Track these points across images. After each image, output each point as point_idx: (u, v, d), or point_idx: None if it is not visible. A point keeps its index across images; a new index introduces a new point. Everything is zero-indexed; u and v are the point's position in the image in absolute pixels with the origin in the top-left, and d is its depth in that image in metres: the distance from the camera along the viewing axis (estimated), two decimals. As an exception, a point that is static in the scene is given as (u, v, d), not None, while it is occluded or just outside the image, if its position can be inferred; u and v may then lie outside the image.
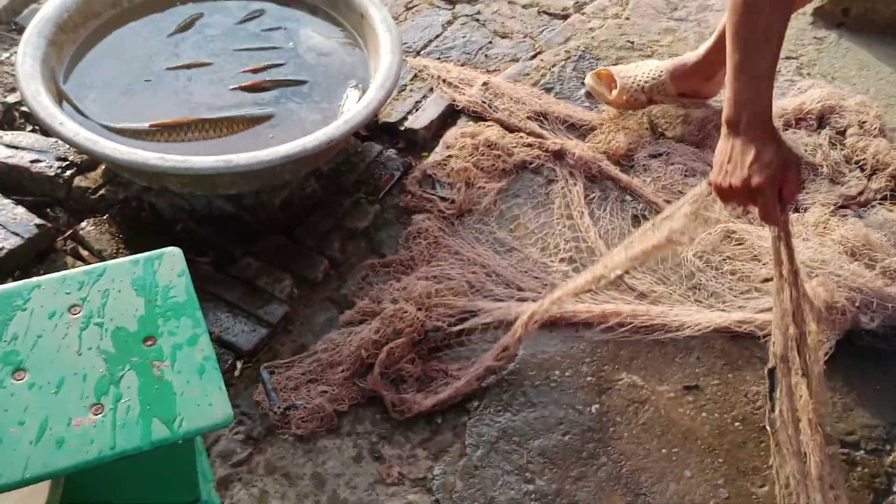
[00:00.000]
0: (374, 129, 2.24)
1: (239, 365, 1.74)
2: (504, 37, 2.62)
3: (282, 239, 1.96)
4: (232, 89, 2.08)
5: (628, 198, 2.11)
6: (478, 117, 2.26)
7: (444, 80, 2.33)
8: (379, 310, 1.80)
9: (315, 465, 1.63)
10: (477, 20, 2.67)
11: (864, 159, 2.16)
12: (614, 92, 2.26)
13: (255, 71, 2.12)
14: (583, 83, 2.39)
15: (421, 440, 1.68)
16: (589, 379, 1.77)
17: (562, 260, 1.96)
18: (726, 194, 1.57)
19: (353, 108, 1.96)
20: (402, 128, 2.23)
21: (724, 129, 1.58)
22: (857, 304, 1.79)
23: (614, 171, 2.12)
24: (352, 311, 1.83)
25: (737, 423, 1.71)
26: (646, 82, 2.24)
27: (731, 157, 1.56)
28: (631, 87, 2.24)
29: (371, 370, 1.71)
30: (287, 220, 1.99)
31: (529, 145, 2.16)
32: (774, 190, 1.51)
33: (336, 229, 1.99)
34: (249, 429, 1.67)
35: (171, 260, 1.36)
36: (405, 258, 1.93)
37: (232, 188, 1.89)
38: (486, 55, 2.54)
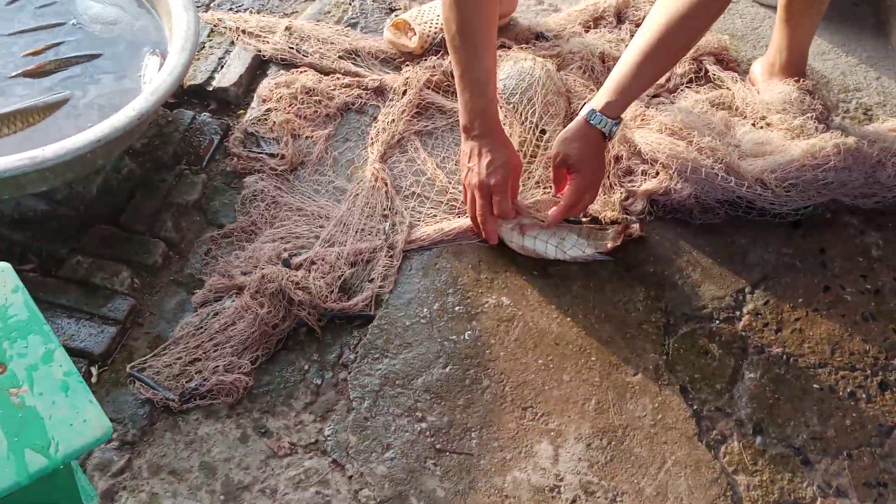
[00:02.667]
0: (181, 94, 2.11)
1: (94, 371, 1.63)
2: (295, -23, 2.51)
3: (108, 229, 1.82)
4: (13, 77, 1.89)
5: (455, 124, 2.10)
6: (288, 65, 2.17)
7: (243, 31, 2.22)
8: (232, 285, 1.73)
9: (201, 455, 1.56)
10: (261, -36, 2.55)
11: (665, 47, 2.25)
12: (414, 39, 2.21)
13: (36, 53, 1.93)
14: (387, 12, 2.34)
15: (304, 405, 1.64)
16: (457, 308, 1.78)
17: (405, 197, 1.94)
18: (467, 189, 1.81)
19: (156, 76, 1.82)
20: (211, 88, 2.11)
21: (462, 133, 1.81)
22: (673, 168, 1.90)
23: (440, 99, 2.10)
24: (203, 291, 1.74)
25: (602, 322, 1.78)
26: (442, 24, 2.20)
27: (470, 158, 1.78)
28: (429, 32, 2.20)
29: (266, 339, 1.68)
30: (109, 206, 1.86)
31: (348, 86, 2.11)
32: (507, 188, 1.76)
33: (164, 208, 1.88)
34: (122, 434, 1.57)
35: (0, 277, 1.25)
36: (246, 224, 1.85)
37: (42, 185, 1.72)
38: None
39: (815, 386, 1.71)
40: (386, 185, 1.92)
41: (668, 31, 1.69)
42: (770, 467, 1.60)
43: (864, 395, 1.70)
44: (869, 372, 1.74)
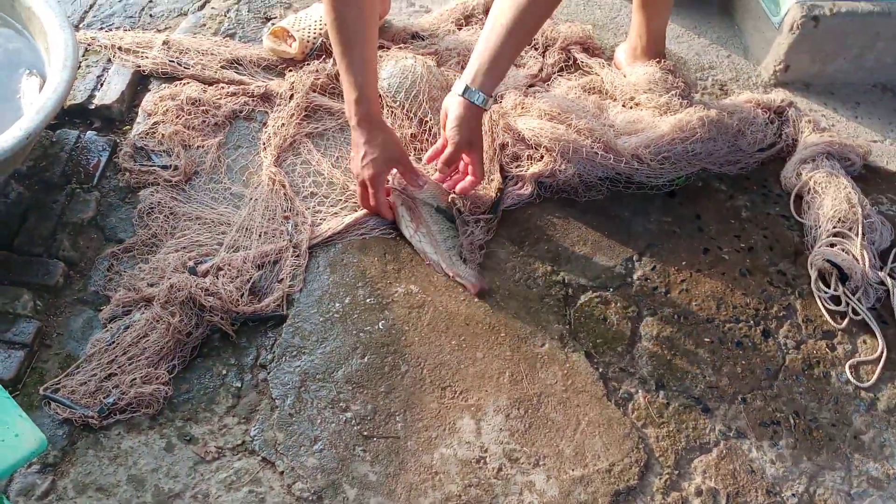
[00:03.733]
0: (62, 115, 2.06)
1: (5, 397, 1.58)
2: (162, -8, 2.50)
3: (2, 255, 1.77)
4: None
5: (345, 124, 2.15)
6: (170, 78, 2.16)
7: (120, 48, 2.19)
8: (140, 297, 1.72)
9: (127, 469, 1.55)
10: (128, -19, 2.52)
11: (535, 40, 2.37)
12: (294, 45, 2.24)
13: None
14: (263, 21, 2.36)
15: (227, 409, 1.65)
16: (368, 300, 1.82)
17: (305, 198, 1.97)
18: (357, 182, 1.91)
19: (40, 95, 1.79)
20: (93, 106, 2.08)
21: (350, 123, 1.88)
22: (557, 150, 2.01)
23: (327, 101, 2.14)
24: (110, 306, 1.72)
25: (506, 299, 1.86)
26: (320, 29, 2.25)
27: (353, 149, 1.87)
28: (308, 38, 2.24)
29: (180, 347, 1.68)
30: (0, 232, 1.80)
31: (234, 94, 2.12)
32: (381, 183, 1.87)
33: (60, 228, 1.84)
34: (42, 458, 1.53)
35: None
36: (146, 237, 1.84)
37: (-72, 213, 1.67)
38: (150, 15, 2.41)
39: (706, 339, 1.85)
40: (284, 186, 1.94)
41: (520, 11, 1.78)
42: (675, 418, 1.72)
43: (750, 344, 1.85)
44: (752, 322, 1.89)
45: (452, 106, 1.84)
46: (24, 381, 1.62)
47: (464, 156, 1.89)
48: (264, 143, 2.02)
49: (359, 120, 1.83)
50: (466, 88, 1.81)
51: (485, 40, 1.82)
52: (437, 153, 1.91)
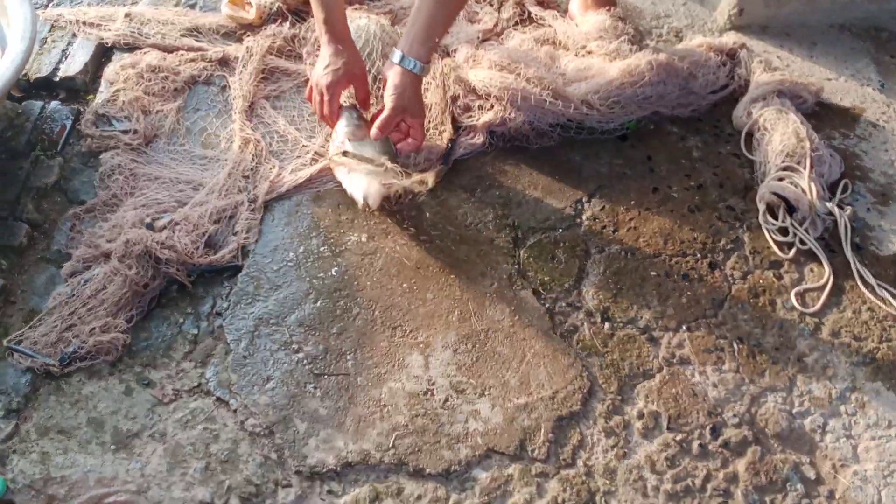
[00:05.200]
0: (28, 88, 2.15)
1: (-29, 350, 1.67)
2: (130, -30, 2.57)
3: (-32, 219, 1.86)
4: None
5: (302, 84, 2.21)
6: (132, 48, 2.23)
7: (84, 23, 2.27)
8: (99, 253, 1.79)
9: (88, 412, 1.62)
10: (96, -39, 2.59)
11: (489, -4, 2.42)
12: (251, 11, 2.30)
13: None
14: (225, -8, 2.43)
15: (184, 354, 1.72)
16: (322, 249, 1.89)
17: (266, 157, 2.03)
18: (310, 87, 1.98)
19: (-2, 66, 1.87)
20: (57, 78, 2.15)
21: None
22: (506, 99, 2.05)
23: (284, 63, 2.21)
24: (71, 262, 1.80)
25: (457, 243, 1.91)
26: None
27: (319, 60, 1.95)
28: (265, 3, 2.30)
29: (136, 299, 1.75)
30: (-34, 199, 1.89)
31: (193, 60, 2.19)
32: (337, 91, 1.93)
33: (24, 192, 1.92)
34: (6, 404, 1.61)
35: None
36: (107, 198, 1.91)
37: None
38: (117, -9, 2.49)
39: (652, 273, 1.89)
40: (256, 147, 2.01)
41: None
42: (619, 347, 1.77)
43: (696, 276, 1.89)
44: (699, 255, 1.93)
45: (390, 74, 1.89)
46: (-11, 336, 1.70)
47: (405, 120, 1.94)
48: (233, 108, 2.10)
49: (329, 38, 1.92)
50: (403, 57, 1.86)
51: (418, 8, 1.87)
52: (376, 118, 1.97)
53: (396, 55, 1.88)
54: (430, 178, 1.89)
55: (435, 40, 1.90)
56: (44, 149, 2.01)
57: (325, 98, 1.94)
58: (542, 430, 1.64)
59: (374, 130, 1.92)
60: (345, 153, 1.91)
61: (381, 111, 1.92)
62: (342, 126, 1.94)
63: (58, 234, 1.87)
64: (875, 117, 2.25)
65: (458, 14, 2.10)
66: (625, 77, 2.12)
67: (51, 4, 2.42)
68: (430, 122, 2.11)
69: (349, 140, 1.92)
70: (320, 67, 1.94)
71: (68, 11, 2.31)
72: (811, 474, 1.62)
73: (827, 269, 1.90)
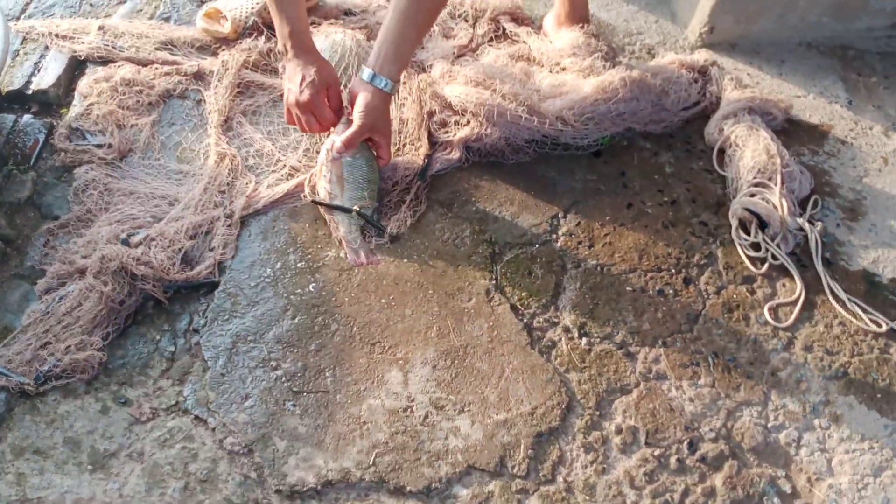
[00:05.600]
0: (0, 101, 2.12)
1: (-58, 369, 1.64)
2: (101, -18, 2.55)
3: (-62, 235, 1.83)
4: None
5: (278, 99, 2.20)
6: (106, 61, 2.21)
7: (56, 35, 2.24)
8: (74, 270, 1.77)
9: (64, 432, 1.60)
10: (67, -28, 2.57)
11: (464, 11, 2.43)
12: (226, 25, 2.30)
13: None
14: (198, 4, 2.42)
15: (161, 372, 1.70)
16: (300, 265, 1.88)
17: (241, 171, 2.02)
18: (290, 110, 1.96)
19: (-30, 80, 1.84)
20: (30, 91, 2.13)
21: (282, 58, 1.96)
22: (482, 115, 2.07)
23: (259, 77, 2.20)
24: (45, 279, 1.78)
25: (435, 259, 1.92)
26: (252, 8, 2.31)
27: (289, 80, 1.94)
28: (240, 17, 2.30)
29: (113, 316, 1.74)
30: (-63, 214, 1.86)
31: (167, 74, 2.17)
32: (321, 102, 1.93)
33: (-4, 208, 1.90)
34: (-21, 424, 1.59)
35: None
36: (81, 213, 1.90)
37: None
38: (90, 4, 2.47)
39: (628, 289, 1.91)
40: (232, 162, 2.00)
41: None
42: (597, 363, 1.78)
43: (671, 291, 1.92)
44: (673, 271, 1.95)
45: (360, 91, 1.90)
46: (-38, 353, 1.68)
47: (373, 137, 1.95)
48: (208, 123, 2.08)
49: (295, 52, 1.92)
50: (373, 75, 1.87)
51: (387, 26, 1.87)
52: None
53: (366, 73, 1.88)
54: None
55: (405, 58, 1.91)
56: (16, 163, 1.98)
57: (314, 112, 1.93)
58: (522, 447, 1.65)
59: (338, 145, 1.93)
60: (314, 202, 1.97)
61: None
62: (333, 138, 1.96)
63: (31, 249, 1.85)
64: (843, 134, 2.30)
65: (427, 31, 2.11)
66: (599, 93, 2.15)
67: (22, 16, 2.39)
68: (406, 137, 2.12)
69: (340, 155, 1.95)
70: (295, 84, 1.93)
71: (41, 24, 2.29)
72: (787, 488, 1.65)
73: (799, 283, 1.93)
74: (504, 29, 2.42)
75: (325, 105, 1.94)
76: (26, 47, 2.25)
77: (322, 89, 1.93)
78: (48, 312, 1.71)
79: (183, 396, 1.67)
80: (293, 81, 1.93)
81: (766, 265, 1.97)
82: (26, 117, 2.08)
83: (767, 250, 1.98)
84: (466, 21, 2.42)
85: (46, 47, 2.24)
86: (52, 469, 1.55)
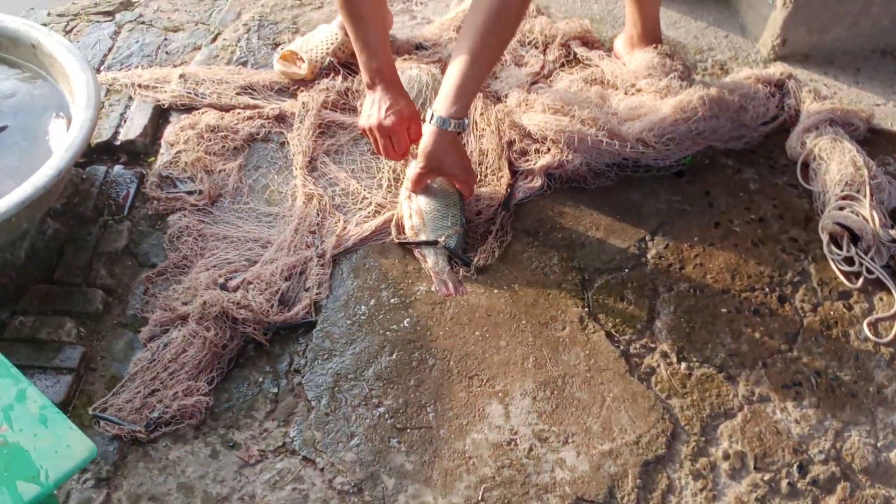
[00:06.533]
0: (90, 153, 2.18)
1: (58, 419, 1.68)
2: (176, 30, 2.61)
3: (44, 287, 1.88)
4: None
5: (359, 137, 2.23)
6: (189, 108, 2.27)
7: (139, 86, 2.30)
8: (175, 316, 1.81)
9: (177, 478, 1.63)
10: (143, 23, 2.64)
11: (534, 38, 2.44)
12: (303, 66, 2.34)
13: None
14: (273, 47, 2.47)
15: (266, 414, 1.73)
16: (393, 301, 1.90)
17: (330, 212, 2.05)
18: (368, 133, 2.03)
19: (67, 135, 1.90)
20: (118, 142, 2.19)
21: (367, 90, 2.05)
22: (562, 142, 2.08)
23: (339, 116, 2.23)
24: (149, 327, 1.82)
25: (525, 288, 1.92)
26: (327, 49, 2.35)
27: (372, 105, 2.00)
28: (316, 58, 2.34)
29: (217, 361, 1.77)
30: (40, 267, 1.91)
31: (250, 118, 2.22)
32: (403, 130, 1.99)
33: (96, 258, 1.94)
34: (96, 473, 1.62)
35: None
36: (177, 260, 1.94)
37: (-28, 254, 1.78)
38: (166, 52, 2.53)
39: (723, 310, 1.89)
40: (320, 202, 2.03)
41: (484, 34, 1.85)
42: (698, 387, 1.77)
43: (767, 311, 1.89)
44: (767, 290, 1.93)
45: (425, 132, 1.94)
46: (74, 404, 1.72)
47: (442, 176, 2.00)
48: (294, 165, 2.13)
49: (384, 85, 1.99)
50: (438, 118, 1.89)
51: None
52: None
53: (429, 113, 1.91)
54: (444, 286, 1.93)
55: (469, 97, 1.92)
56: (111, 213, 2.03)
57: (393, 139, 1.99)
58: (630, 476, 1.64)
59: (407, 183, 2.00)
60: (399, 243, 2.00)
61: None
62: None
63: (132, 298, 1.89)
64: (927, 141, 2.26)
65: (493, 66, 2.13)
66: (678, 113, 2.14)
67: (102, 68, 2.46)
68: (487, 168, 2.13)
69: (413, 194, 1.99)
70: (380, 109, 1.98)
71: (123, 75, 2.35)
72: (903, 508, 1.62)
73: (896, 297, 1.90)
74: (575, 53, 2.43)
75: (405, 134, 2.00)
76: (110, 98, 2.31)
77: (405, 121, 1.98)
78: (154, 360, 1.75)
79: (289, 437, 1.69)
80: (378, 109, 1.99)
81: (862, 279, 1.94)
82: (117, 168, 2.14)
83: (862, 264, 1.95)
84: (537, 48, 2.43)
85: (130, 98, 2.30)
86: (168, 515, 1.58)
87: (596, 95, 2.23)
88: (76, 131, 1.87)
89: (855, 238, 1.97)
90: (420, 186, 1.99)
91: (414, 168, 1.97)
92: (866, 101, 2.37)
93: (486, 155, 2.14)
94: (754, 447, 1.68)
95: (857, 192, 2.02)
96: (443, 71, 2.33)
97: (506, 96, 2.27)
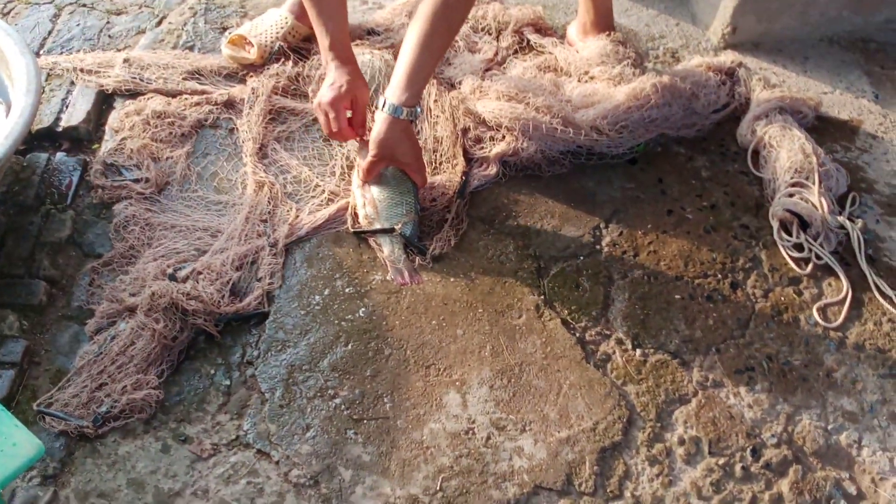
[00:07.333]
0: (30, 140, 2.10)
1: (0, 415, 1.62)
2: (119, 13, 2.54)
3: (-17, 279, 1.81)
4: None
5: (311, 123, 2.19)
6: (134, 94, 2.20)
7: (82, 70, 2.23)
8: (123, 308, 1.76)
9: (127, 473, 1.59)
10: (84, 5, 2.56)
11: (487, 25, 2.43)
12: (252, 51, 2.29)
13: None
14: (220, 31, 2.41)
15: (218, 406, 1.69)
16: (348, 290, 1.87)
17: (282, 200, 2.01)
18: (316, 109, 1.97)
19: (6, 121, 1.83)
20: (60, 128, 2.12)
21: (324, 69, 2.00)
22: (517, 129, 2.07)
23: (290, 102, 2.19)
24: (95, 319, 1.76)
25: (481, 276, 1.91)
26: (277, 33, 2.30)
27: (320, 82, 1.98)
28: (266, 42, 2.29)
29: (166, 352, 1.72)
30: (-21, 258, 1.84)
31: (198, 104, 2.16)
32: (340, 108, 1.93)
33: (38, 248, 1.88)
34: (42, 470, 1.57)
35: None
36: (124, 250, 1.88)
37: None
38: (109, 36, 2.45)
39: (676, 296, 1.91)
40: (271, 190, 1.99)
41: (434, 20, 1.84)
42: (653, 373, 1.78)
43: (719, 297, 1.91)
44: (720, 276, 1.95)
45: (377, 120, 1.90)
46: (17, 399, 1.66)
47: (395, 164, 1.96)
48: (242, 152, 2.08)
49: (336, 63, 1.93)
50: (390, 105, 1.86)
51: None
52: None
53: (380, 101, 1.89)
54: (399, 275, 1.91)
55: (420, 84, 1.89)
56: (53, 202, 1.97)
57: (330, 115, 1.93)
58: (587, 463, 1.64)
59: (361, 172, 1.96)
60: (355, 233, 1.96)
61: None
62: (360, 166, 1.95)
63: (77, 289, 1.83)
64: (873, 129, 2.30)
65: (444, 53, 2.09)
66: (631, 101, 2.14)
67: (42, 52, 2.38)
68: (441, 155, 2.11)
69: (365, 183, 1.96)
70: (326, 87, 1.94)
71: (64, 59, 2.27)
72: (852, 490, 1.64)
73: (845, 282, 1.93)
74: (528, 40, 2.42)
75: (342, 111, 1.94)
76: (52, 83, 2.23)
77: (346, 97, 1.93)
78: (101, 353, 1.70)
79: (243, 430, 1.65)
80: (321, 85, 1.96)
81: (811, 265, 1.97)
82: (59, 155, 2.06)
83: (811, 250, 1.98)
84: (490, 34, 2.42)
85: (72, 83, 2.23)
86: (118, 512, 1.54)
87: (550, 83, 2.22)
88: (16, 117, 1.80)
89: (804, 224, 2.00)
90: (372, 175, 1.96)
91: (365, 157, 1.94)
92: (814, 89, 2.40)
93: (441, 142, 2.12)
94: (709, 432, 1.70)
95: (807, 179, 2.05)
96: (395, 56, 2.30)
97: (460, 83, 2.25)
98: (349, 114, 1.96)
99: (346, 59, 1.95)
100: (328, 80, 1.94)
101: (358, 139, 1.99)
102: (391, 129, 1.89)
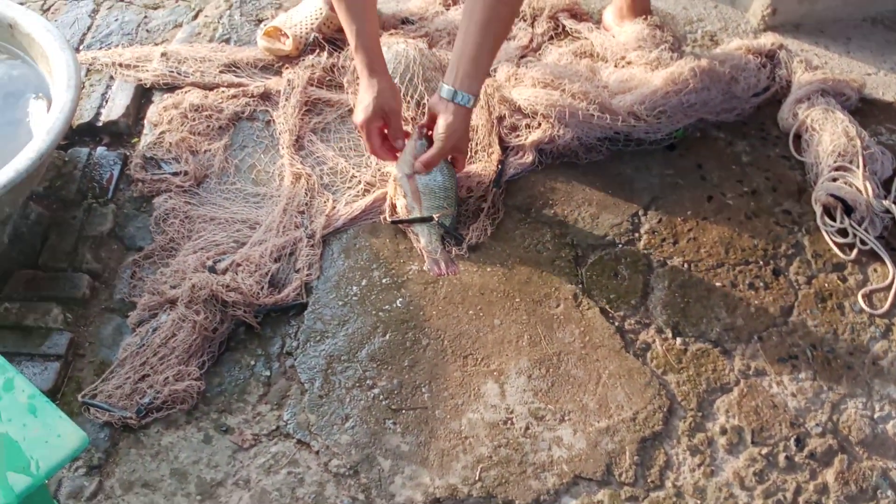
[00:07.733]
0: (72, 134, 2.13)
1: (47, 407, 1.65)
2: (156, 8, 2.56)
3: (29, 272, 1.84)
4: None
5: (346, 114, 2.20)
6: (172, 88, 2.22)
7: (120, 65, 2.25)
8: (164, 300, 1.78)
9: (170, 463, 1.61)
10: (122, 0, 2.58)
11: (522, 11, 2.40)
12: (288, 42, 2.29)
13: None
14: (256, 23, 2.42)
15: (259, 397, 1.70)
16: (385, 281, 1.87)
17: (318, 191, 2.02)
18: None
19: (48, 117, 1.85)
20: (100, 123, 2.14)
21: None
22: (553, 116, 2.04)
23: (325, 93, 2.19)
24: (137, 311, 1.79)
25: (518, 266, 1.90)
26: (312, 24, 2.30)
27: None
28: (301, 33, 2.29)
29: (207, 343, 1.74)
30: (24, 253, 1.87)
31: (234, 96, 2.17)
32: (374, 129, 1.90)
33: (81, 242, 1.91)
34: (87, 461, 1.60)
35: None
36: (164, 243, 1.90)
37: (-47, 241, 1.73)
38: (147, 30, 2.47)
39: (717, 284, 1.88)
40: (308, 181, 1.99)
41: (494, 4, 1.78)
42: (694, 362, 1.76)
43: (761, 284, 1.88)
44: (761, 263, 1.92)
45: (441, 110, 1.84)
46: (63, 391, 1.69)
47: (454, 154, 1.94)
48: (280, 144, 2.09)
49: (362, 69, 1.89)
50: (454, 92, 1.81)
51: (463, 40, 1.81)
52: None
53: (446, 90, 1.82)
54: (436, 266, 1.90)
55: (484, 71, 1.85)
56: (95, 196, 1.99)
57: (363, 136, 1.92)
58: (627, 453, 1.63)
59: (418, 164, 1.89)
60: (393, 222, 1.95)
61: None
62: (408, 156, 1.92)
63: (119, 282, 1.86)
64: (920, 110, 2.25)
65: (504, 39, 2.05)
66: (669, 86, 2.11)
67: (82, 47, 2.41)
68: (477, 144, 2.10)
69: (416, 174, 1.92)
70: (357, 103, 1.92)
71: (103, 54, 2.30)
72: (900, 479, 1.62)
73: (891, 268, 1.89)
74: (563, 26, 2.39)
75: (374, 133, 1.91)
76: (91, 79, 2.26)
77: (375, 117, 1.89)
78: (143, 345, 1.72)
79: (283, 421, 1.67)
80: (357, 97, 1.94)
81: (856, 251, 1.93)
82: (100, 150, 2.09)
83: (855, 235, 1.94)
84: (525, 21, 2.40)
85: (111, 77, 2.25)
86: (161, 501, 1.56)
87: (586, 68, 2.20)
88: (57, 113, 1.82)
89: (848, 209, 1.96)
90: (433, 167, 1.91)
91: (415, 145, 1.91)
92: (857, 71, 2.35)
93: (477, 131, 2.11)
94: (751, 421, 1.68)
95: (850, 162, 2.01)
96: (430, 45, 2.29)
97: (495, 71, 2.23)
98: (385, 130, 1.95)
99: (372, 68, 1.88)
100: (359, 97, 1.91)
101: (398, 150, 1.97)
102: (462, 119, 1.85)
